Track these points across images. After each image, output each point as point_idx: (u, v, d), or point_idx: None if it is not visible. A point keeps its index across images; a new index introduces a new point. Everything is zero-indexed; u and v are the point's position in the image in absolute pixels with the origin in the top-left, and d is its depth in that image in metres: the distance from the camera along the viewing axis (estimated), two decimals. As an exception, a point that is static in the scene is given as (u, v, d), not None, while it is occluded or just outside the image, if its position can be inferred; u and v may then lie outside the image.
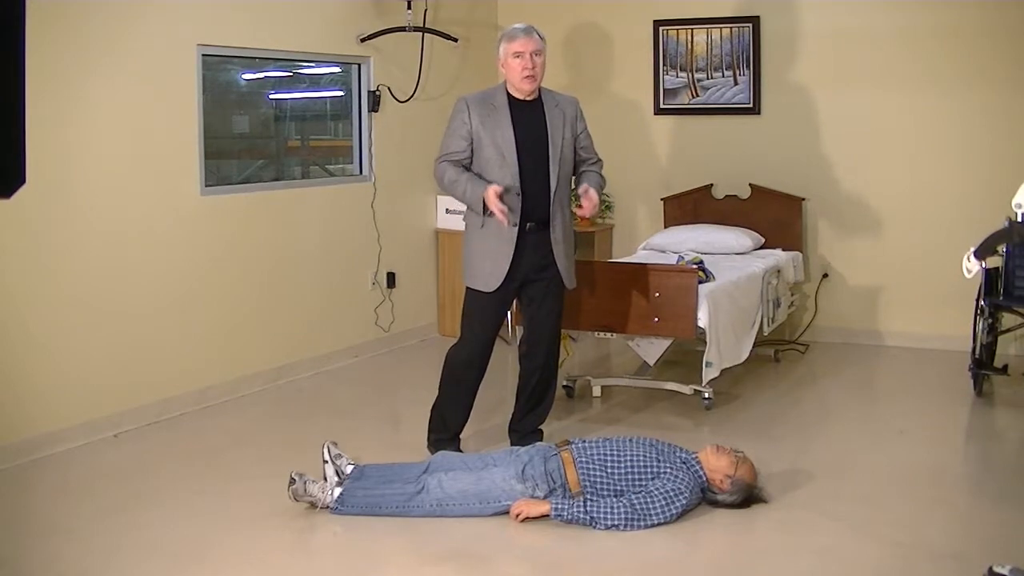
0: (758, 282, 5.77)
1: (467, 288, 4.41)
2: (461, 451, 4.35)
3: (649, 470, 3.77)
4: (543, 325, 4.48)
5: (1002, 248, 5.31)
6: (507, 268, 4.27)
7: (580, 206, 4.40)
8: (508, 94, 4.33)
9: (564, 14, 7.38)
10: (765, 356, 6.24)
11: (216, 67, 5.54)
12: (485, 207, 4.18)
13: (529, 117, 4.31)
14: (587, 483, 3.76)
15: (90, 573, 3.36)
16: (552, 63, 7.43)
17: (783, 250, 6.55)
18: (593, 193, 4.36)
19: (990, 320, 5.43)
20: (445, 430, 4.46)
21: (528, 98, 4.32)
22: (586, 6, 7.33)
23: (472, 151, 4.29)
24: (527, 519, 3.70)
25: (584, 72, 7.40)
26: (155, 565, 3.40)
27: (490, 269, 4.29)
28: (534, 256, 4.33)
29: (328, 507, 3.79)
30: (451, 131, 4.34)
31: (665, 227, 6.93)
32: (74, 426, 4.64)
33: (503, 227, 4.21)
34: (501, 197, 4.14)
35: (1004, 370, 5.51)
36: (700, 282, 5.03)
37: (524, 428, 4.58)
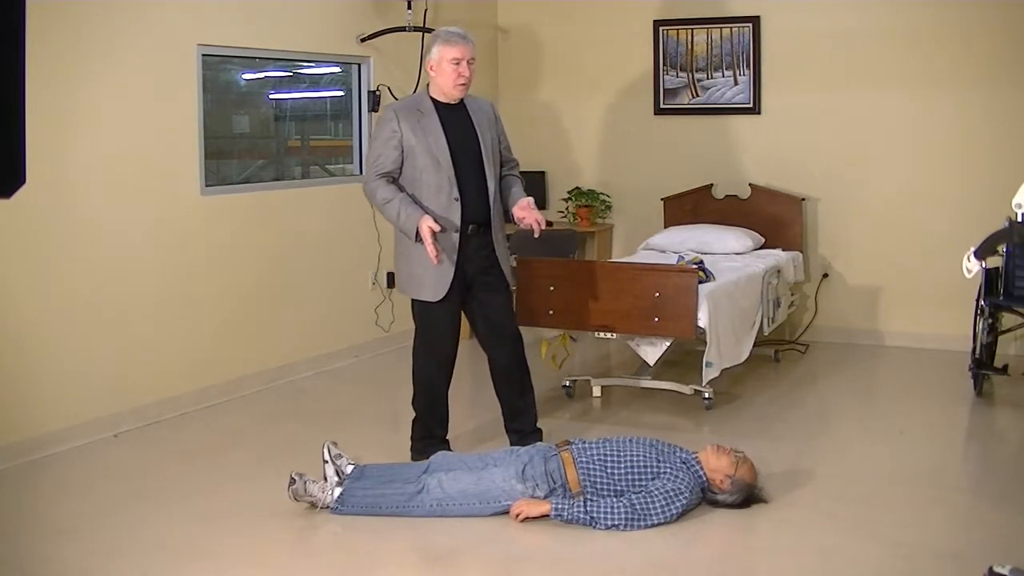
0: (758, 282, 5.77)
1: (413, 300, 4.32)
2: (451, 450, 4.32)
3: (649, 470, 3.77)
4: (502, 322, 4.40)
5: (1002, 248, 5.31)
6: (452, 275, 4.20)
7: (525, 225, 4.31)
8: (432, 99, 4.27)
9: (564, 14, 7.38)
10: (765, 356, 6.24)
11: (216, 67, 5.54)
12: (417, 234, 4.08)
13: (457, 120, 4.25)
14: (587, 483, 3.76)
15: (90, 573, 3.36)
16: (552, 63, 7.49)
17: (783, 250, 6.55)
18: (534, 209, 4.31)
19: (990, 320, 5.43)
20: (433, 437, 4.42)
21: (453, 102, 4.28)
22: (586, 6, 7.33)
23: (403, 160, 4.20)
24: (527, 519, 3.70)
25: (584, 72, 7.40)
26: (155, 565, 3.40)
27: (434, 279, 4.19)
28: (477, 259, 4.28)
29: (328, 507, 3.79)
30: (381, 141, 4.22)
31: (665, 227, 6.93)
32: (74, 426, 4.64)
33: (444, 234, 4.14)
34: (435, 235, 4.05)
35: (1004, 370, 5.51)
36: (700, 282, 5.02)
37: (522, 427, 4.51)
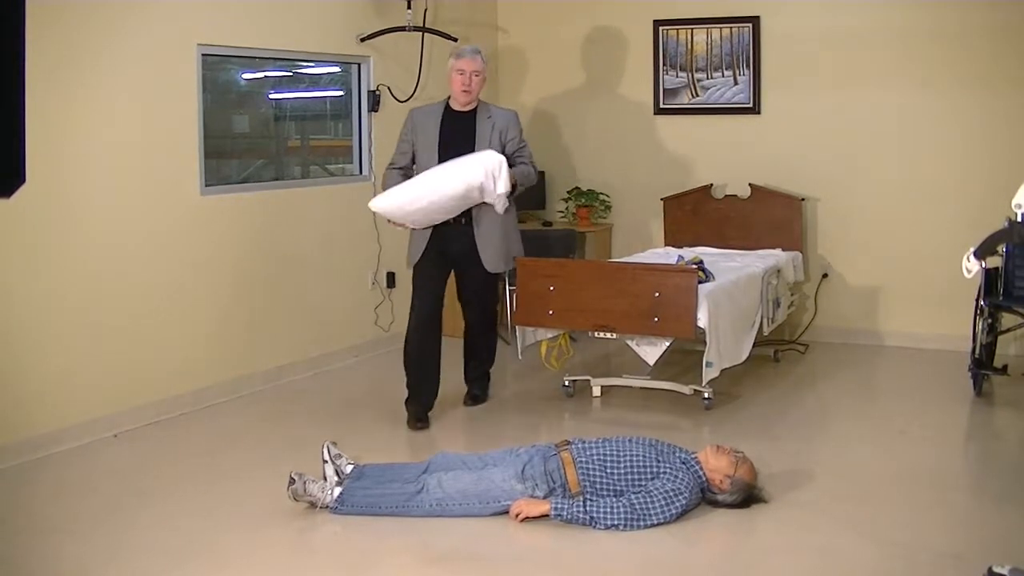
0: (758, 282, 5.76)
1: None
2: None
3: (649, 470, 3.77)
4: (468, 296, 5.26)
5: (1002, 248, 5.31)
6: (424, 247, 5.08)
7: None
8: (447, 106, 5.05)
9: (564, 14, 7.38)
10: (765, 356, 6.24)
11: (216, 67, 5.54)
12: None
13: (458, 127, 4.97)
14: (587, 483, 3.76)
15: (90, 572, 3.36)
16: (553, 64, 7.48)
17: (783, 250, 6.55)
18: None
19: (990, 320, 5.43)
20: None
21: (464, 109, 5.00)
22: (586, 6, 7.33)
23: (413, 154, 5.09)
24: (527, 519, 3.70)
25: (585, 72, 7.40)
26: (154, 564, 3.40)
27: (414, 249, 5.07)
28: (457, 243, 5.00)
29: (328, 507, 3.79)
30: (399, 140, 5.13)
31: (665, 227, 6.94)
32: (74, 426, 4.64)
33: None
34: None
35: (1004, 370, 5.51)
36: (700, 282, 5.02)
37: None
